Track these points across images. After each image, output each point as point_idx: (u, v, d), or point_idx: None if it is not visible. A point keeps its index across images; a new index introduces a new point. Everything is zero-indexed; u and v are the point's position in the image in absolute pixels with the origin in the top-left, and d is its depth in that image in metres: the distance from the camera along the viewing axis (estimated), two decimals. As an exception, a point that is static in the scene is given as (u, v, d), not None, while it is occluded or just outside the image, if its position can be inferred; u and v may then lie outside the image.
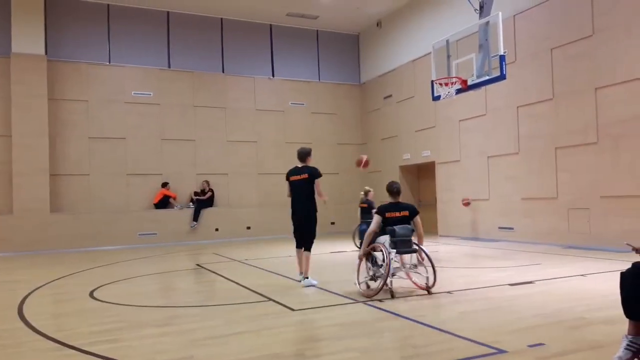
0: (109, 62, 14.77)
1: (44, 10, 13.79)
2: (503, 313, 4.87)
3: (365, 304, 5.44)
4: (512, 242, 11.42)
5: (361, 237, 10.73)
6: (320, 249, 11.84)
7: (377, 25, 16.87)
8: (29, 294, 6.80)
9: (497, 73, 8.91)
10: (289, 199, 7.23)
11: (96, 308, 5.82)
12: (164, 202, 14.89)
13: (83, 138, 14.32)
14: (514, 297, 5.56)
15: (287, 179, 7.07)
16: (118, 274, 8.61)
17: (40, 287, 7.43)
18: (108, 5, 14.72)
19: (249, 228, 15.65)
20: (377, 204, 9.88)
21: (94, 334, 4.56)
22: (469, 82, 9.45)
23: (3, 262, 11.27)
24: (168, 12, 15.45)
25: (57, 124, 14.00)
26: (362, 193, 10.89)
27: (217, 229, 15.32)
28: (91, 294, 6.62)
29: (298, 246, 7.02)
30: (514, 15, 11.45)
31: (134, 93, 14.94)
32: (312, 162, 7.09)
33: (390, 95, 16.29)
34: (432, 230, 14.96)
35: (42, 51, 13.65)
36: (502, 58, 8.72)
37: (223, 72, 16.15)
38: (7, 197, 13.31)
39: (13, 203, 13.19)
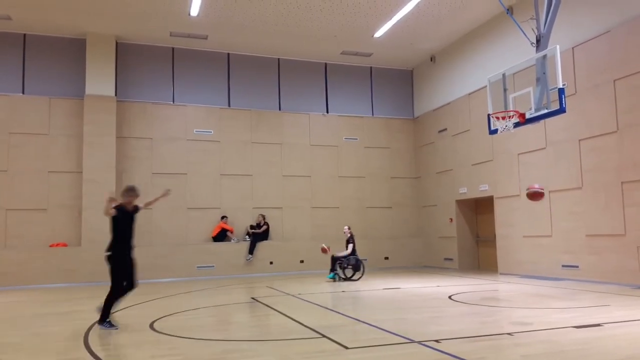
0: (173, 101, 15.57)
1: (115, 55, 14.81)
2: (568, 358, 4.62)
3: (421, 344, 5.32)
4: (577, 281, 10.85)
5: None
6: (374, 285, 11.70)
7: (431, 60, 16.93)
8: (94, 323, 7.10)
9: (556, 106, 8.68)
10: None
11: (156, 340, 6.00)
12: (221, 235, 15.26)
13: (147, 173, 15.03)
14: (580, 341, 5.27)
15: None
16: (177, 306, 8.84)
17: (105, 317, 7.72)
18: (172, 48, 15.62)
19: (302, 262, 15.72)
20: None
21: (153, 365, 4.69)
22: (527, 116, 9.24)
23: (70, 292, 11.84)
24: (228, 54, 16.19)
25: (124, 160, 14.80)
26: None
27: (271, 262, 15.49)
28: (151, 326, 6.83)
29: None
30: (573, 47, 11.20)
31: (196, 131, 15.61)
32: None
33: (445, 129, 16.16)
34: (491, 267, 14.48)
35: (112, 92, 14.59)
36: (561, 91, 8.51)
37: (280, 109, 16.63)
38: (76, 229, 14.09)
39: (81, 235, 13.93)
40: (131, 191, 7.32)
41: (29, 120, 14.18)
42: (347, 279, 12.64)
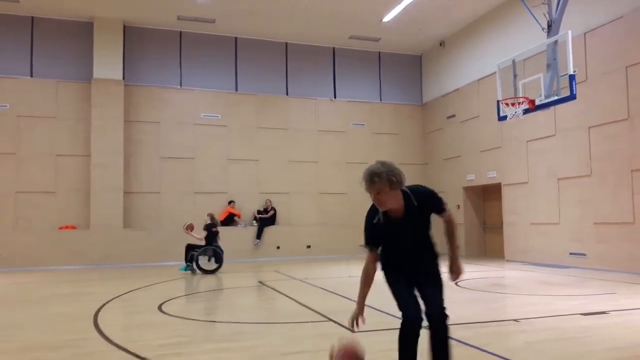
0: (180, 86, 15.55)
1: (123, 38, 14.78)
2: (574, 345, 4.63)
3: (427, 328, 5.33)
4: (584, 269, 10.83)
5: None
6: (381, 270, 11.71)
7: (440, 45, 16.75)
8: (103, 305, 7.19)
9: (566, 93, 8.59)
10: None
11: (163, 321, 6.07)
12: (229, 220, 15.32)
13: (155, 158, 15.08)
14: (586, 328, 5.27)
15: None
16: (184, 289, 8.92)
17: (113, 299, 7.83)
18: (180, 32, 15.55)
19: (309, 247, 15.78)
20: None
21: (161, 346, 4.75)
22: (537, 102, 9.16)
23: (80, 274, 11.97)
24: (236, 38, 16.10)
25: (131, 144, 14.84)
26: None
27: (278, 247, 15.56)
28: (159, 308, 6.90)
29: None
30: (585, 33, 11.04)
31: (203, 115, 15.61)
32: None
33: (453, 115, 16.05)
34: (498, 254, 14.48)
35: (120, 76, 14.59)
36: (571, 77, 8.42)
37: (287, 94, 16.57)
38: (85, 213, 14.21)
39: (90, 219, 14.04)
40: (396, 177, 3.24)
41: (37, 104, 14.22)
42: (204, 271, 11.36)
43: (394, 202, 3.25)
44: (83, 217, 14.24)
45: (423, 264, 3.48)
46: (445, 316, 3.42)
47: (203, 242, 11.56)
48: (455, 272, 3.51)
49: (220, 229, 15.01)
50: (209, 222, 11.80)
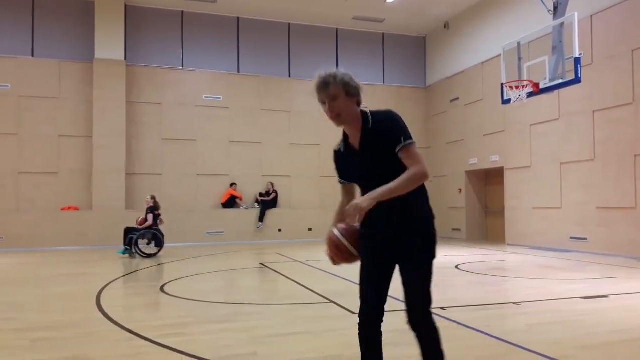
0: (182, 66, 15.44)
1: (124, 18, 14.65)
2: (574, 327, 4.65)
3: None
4: (585, 253, 10.84)
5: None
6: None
7: (445, 27, 16.57)
8: (106, 285, 7.23)
9: (571, 76, 8.51)
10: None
11: (165, 302, 6.11)
12: (230, 202, 15.35)
13: (157, 139, 15.05)
14: (586, 312, 5.29)
15: None
16: (186, 270, 8.96)
17: (116, 279, 7.88)
18: (182, 12, 15.40)
19: (310, 230, 15.81)
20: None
21: (163, 326, 4.79)
22: (541, 86, 9.09)
23: (83, 255, 12.04)
24: (238, 18, 15.94)
25: (133, 125, 14.80)
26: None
27: (280, 230, 15.61)
28: (162, 289, 6.95)
29: None
30: (591, 16, 10.89)
31: (205, 97, 15.52)
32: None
33: (457, 98, 15.94)
34: (500, 238, 14.50)
35: (122, 57, 14.49)
36: (577, 60, 8.33)
37: (289, 76, 16.45)
38: (87, 194, 14.23)
39: (92, 200, 14.07)
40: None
41: (39, 84, 14.15)
42: (144, 255, 10.99)
43: (352, 118, 2.57)
44: (85, 198, 14.27)
45: (392, 224, 2.56)
46: (423, 316, 2.63)
47: (148, 224, 11.15)
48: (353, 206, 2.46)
49: (221, 211, 15.16)
50: (151, 204, 11.30)
